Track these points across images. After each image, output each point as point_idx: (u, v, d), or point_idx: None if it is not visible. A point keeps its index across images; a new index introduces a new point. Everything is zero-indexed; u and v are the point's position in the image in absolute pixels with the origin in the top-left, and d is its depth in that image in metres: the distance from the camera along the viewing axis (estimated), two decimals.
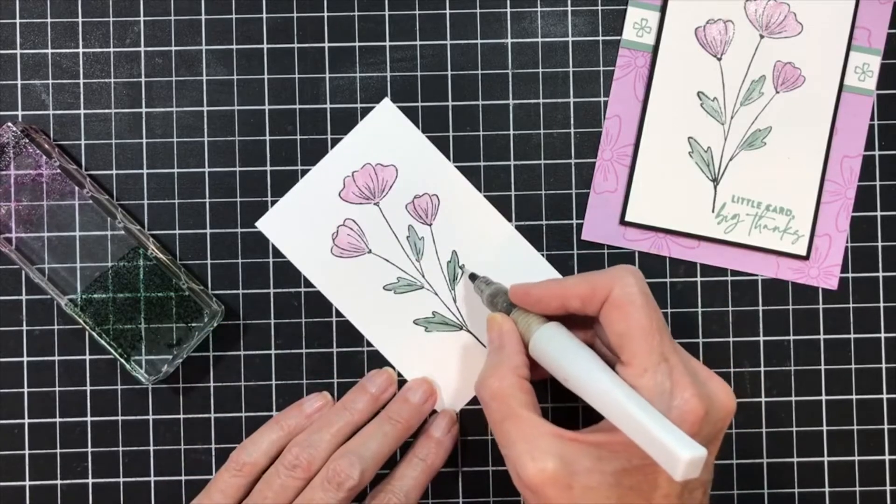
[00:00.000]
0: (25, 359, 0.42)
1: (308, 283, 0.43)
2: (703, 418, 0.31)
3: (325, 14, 0.43)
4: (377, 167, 0.42)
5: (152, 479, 0.42)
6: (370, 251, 0.42)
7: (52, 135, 0.43)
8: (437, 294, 0.43)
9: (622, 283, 0.33)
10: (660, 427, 0.27)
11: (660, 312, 0.33)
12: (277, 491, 0.37)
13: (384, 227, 0.43)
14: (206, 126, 0.43)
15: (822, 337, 0.43)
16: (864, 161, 0.43)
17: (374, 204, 0.42)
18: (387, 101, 0.42)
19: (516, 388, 0.34)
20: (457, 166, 0.43)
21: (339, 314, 0.43)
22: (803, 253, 0.43)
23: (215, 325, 0.41)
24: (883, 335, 0.43)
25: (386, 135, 0.43)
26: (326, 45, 0.43)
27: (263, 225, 0.42)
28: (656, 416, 0.28)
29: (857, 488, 0.43)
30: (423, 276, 0.43)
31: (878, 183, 0.43)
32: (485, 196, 0.43)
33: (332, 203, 0.43)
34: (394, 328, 0.43)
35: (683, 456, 0.26)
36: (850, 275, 0.43)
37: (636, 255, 0.43)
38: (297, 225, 0.42)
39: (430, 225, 0.43)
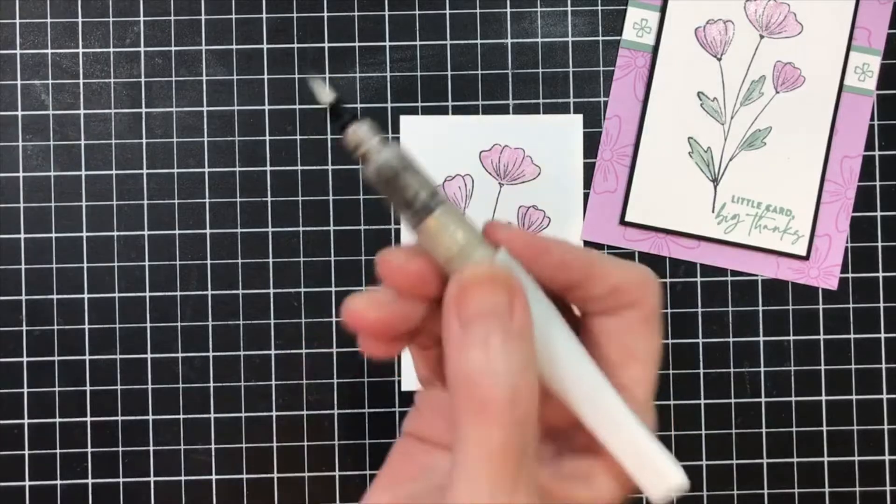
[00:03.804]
0: (25, 359, 0.42)
1: (308, 284, 0.43)
2: None
3: (325, 14, 0.43)
4: (516, 150, 0.43)
5: (152, 479, 0.42)
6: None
7: (51, 135, 0.43)
8: None
9: (655, 293, 0.24)
10: (657, 445, 0.25)
11: None
12: None
13: (489, 207, 0.43)
14: (205, 126, 0.43)
15: (821, 337, 0.43)
16: (864, 161, 0.43)
17: (499, 183, 0.43)
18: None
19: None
20: None
21: (339, 314, 0.43)
22: (803, 253, 0.43)
23: None
24: (883, 335, 0.43)
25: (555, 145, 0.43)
26: (326, 45, 0.43)
27: (407, 122, 0.42)
28: (649, 433, 0.25)
29: (857, 488, 0.43)
30: None
31: (878, 183, 0.43)
32: None
33: (470, 155, 0.43)
34: None
35: (676, 480, 0.24)
36: (850, 275, 0.43)
37: (636, 255, 0.43)
38: (433, 146, 0.43)
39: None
